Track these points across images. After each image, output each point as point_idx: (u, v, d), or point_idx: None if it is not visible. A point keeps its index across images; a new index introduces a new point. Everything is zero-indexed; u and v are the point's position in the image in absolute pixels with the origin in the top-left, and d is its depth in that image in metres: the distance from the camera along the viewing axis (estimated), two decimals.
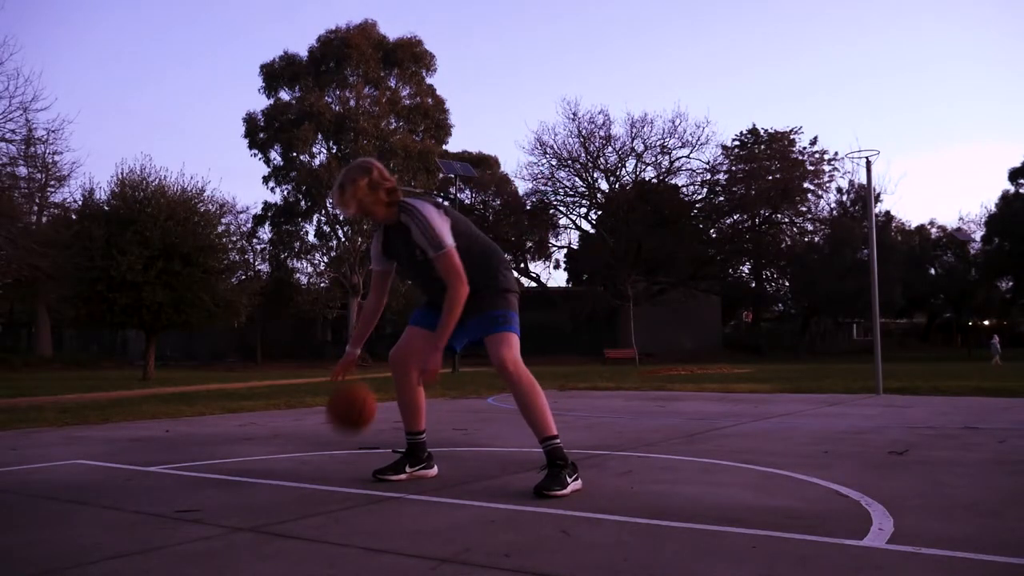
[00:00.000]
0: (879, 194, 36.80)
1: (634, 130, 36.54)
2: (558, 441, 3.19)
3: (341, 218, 34.54)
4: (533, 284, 39.88)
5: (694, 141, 36.78)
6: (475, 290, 3.28)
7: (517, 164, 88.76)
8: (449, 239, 3.19)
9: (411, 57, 35.82)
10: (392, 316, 36.81)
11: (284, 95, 35.79)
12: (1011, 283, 43.47)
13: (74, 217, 19.33)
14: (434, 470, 3.57)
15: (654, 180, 38.10)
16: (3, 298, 33.14)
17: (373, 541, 2.34)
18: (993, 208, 42.06)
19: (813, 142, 39.00)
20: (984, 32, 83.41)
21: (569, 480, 3.09)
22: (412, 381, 3.46)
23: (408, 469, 3.48)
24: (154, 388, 12.64)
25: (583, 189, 38.46)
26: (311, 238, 35.84)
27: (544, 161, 37.40)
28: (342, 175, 3.27)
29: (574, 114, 38.69)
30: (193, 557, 2.20)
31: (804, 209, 39.05)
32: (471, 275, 3.27)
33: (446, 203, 4.02)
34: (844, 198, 39.12)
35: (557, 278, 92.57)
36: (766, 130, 41.12)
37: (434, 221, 3.20)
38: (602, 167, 37.79)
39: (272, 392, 11.04)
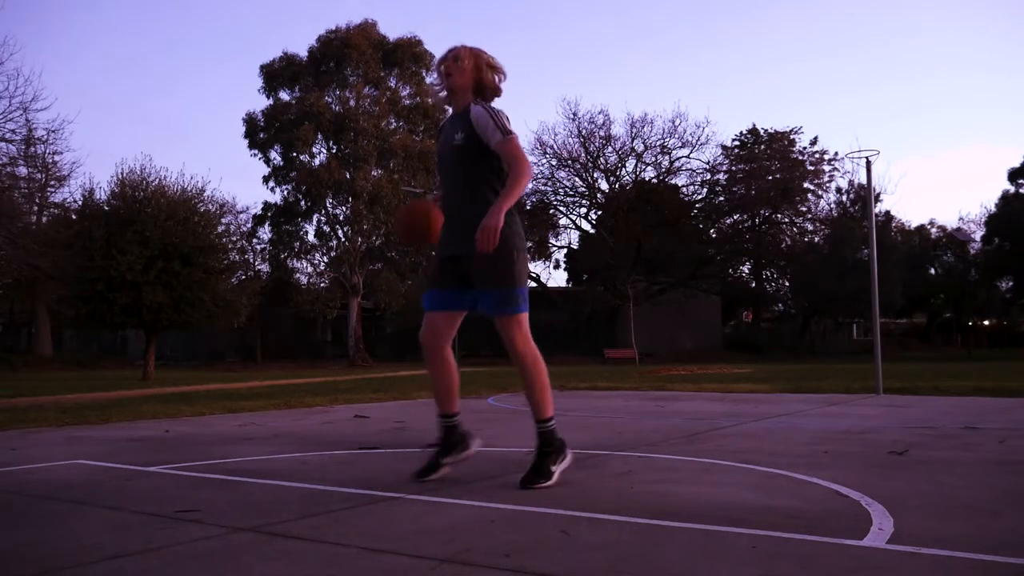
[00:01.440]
0: (879, 194, 36.81)
1: (634, 130, 36.59)
2: (553, 423, 3.31)
3: (341, 218, 34.58)
4: (533, 284, 39.89)
5: (694, 141, 36.84)
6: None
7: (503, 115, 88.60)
8: (513, 130, 3.30)
9: (411, 57, 35.80)
10: (392, 316, 36.82)
11: (284, 95, 35.79)
12: (1011, 283, 43.44)
13: (74, 217, 19.36)
14: (473, 448, 3.55)
15: (654, 180, 38.11)
16: (3, 298, 33.17)
17: (373, 541, 2.34)
18: (993, 208, 42.07)
19: (813, 142, 39.05)
20: (984, 33, 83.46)
21: (554, 468, 3.21)
22: (446, 359, 3.43)
23: (444, 461, 3.42)
24: (154, 388, 12.64)
25: (583, 189, 38.50)
26: (311, 238, 35.83)
27: (544, 161, 37.44)
28: (455, 48, 3.37)
29: (574, 114, 38.83)
30: (193, 557, 2.20)
31: (804, 209, 39.08)
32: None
33: None
34: (844, 198, 39.13)
35: (557, 278, 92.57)
36: (766, 130, 41.16)
37: (503, 114, 3.29)
38: (602, 167, 37.81)
39: (272, 392, 11.04)
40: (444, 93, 3.40)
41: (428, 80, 36.70)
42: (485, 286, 3.27)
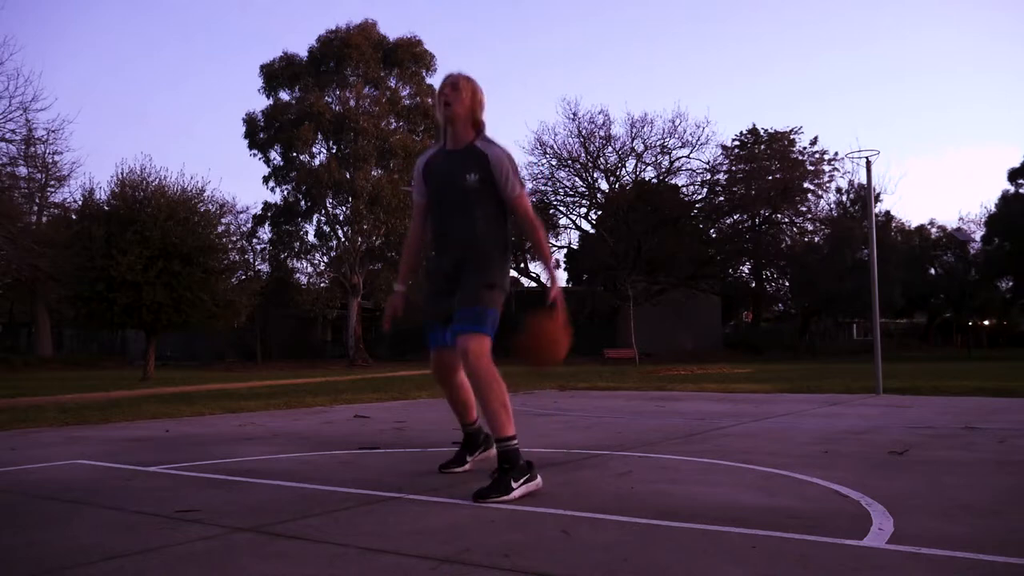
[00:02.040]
0: (879, 194, 36.80)
1: (634, 130, 36.53)
2: (515, 443, 3.14)
3: (341, 218, 34.58)
4: (533, 284, 39.87)
5: (694, 141, 36.77)
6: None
7: (517, 164, 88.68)
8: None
9: (411, 57, 35.77)
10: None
11: (284, 95, 35.74)
12: (1011, 283, 43.44)
13: (74, 217, 19.35)
14: (494, 449, 3.57)
15: (654, 180, 38.08)
16: (3, 298, 33.17)
17: (373, 541, 2.34)
18: (993, 208, 42.05)
19: (813, 142, 38.99)
20: (985, 33, 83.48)
21: (515, 484, 3.00)
22: (458, 385, 3.53)
23: (469, 458, 3.64)
24: (154, 388, 12.63)
25: (583, 189, 38.45)
26: (311, 238, 35.78)
27: (544, 161, 37.41)
28: (453, 75, 3.35)
29: (574, 114, 38.67)
30: (193, 557, 2.20)
31: (804, 209, 39.04)
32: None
33: None
34: (844, 198, 39.10)
35: (557, 278, 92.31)
36: (766, 130, 41.07)
37: (515, 162, 3.34)
38: (602, 167, 37.77)
39: (272, 392, 11.04)
40: (442, 120, 3.36)
41: (428, 81, 36.74)
42: (458, 305, 3.24)
